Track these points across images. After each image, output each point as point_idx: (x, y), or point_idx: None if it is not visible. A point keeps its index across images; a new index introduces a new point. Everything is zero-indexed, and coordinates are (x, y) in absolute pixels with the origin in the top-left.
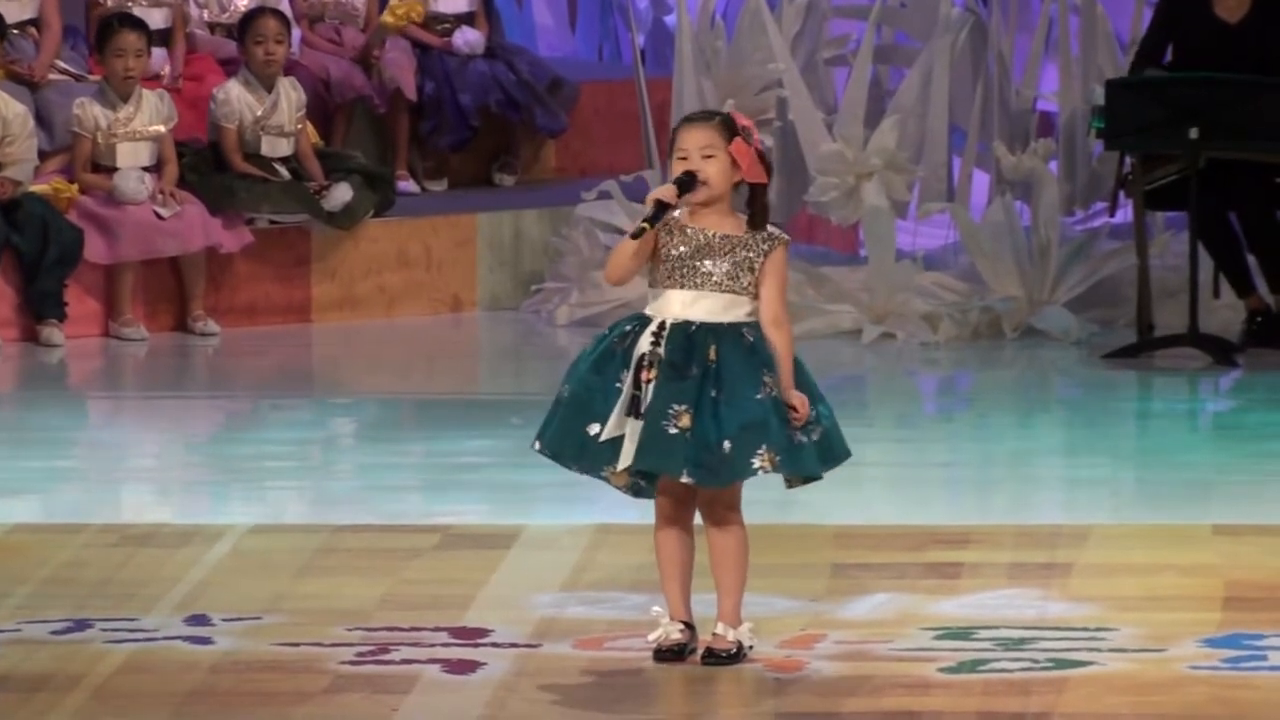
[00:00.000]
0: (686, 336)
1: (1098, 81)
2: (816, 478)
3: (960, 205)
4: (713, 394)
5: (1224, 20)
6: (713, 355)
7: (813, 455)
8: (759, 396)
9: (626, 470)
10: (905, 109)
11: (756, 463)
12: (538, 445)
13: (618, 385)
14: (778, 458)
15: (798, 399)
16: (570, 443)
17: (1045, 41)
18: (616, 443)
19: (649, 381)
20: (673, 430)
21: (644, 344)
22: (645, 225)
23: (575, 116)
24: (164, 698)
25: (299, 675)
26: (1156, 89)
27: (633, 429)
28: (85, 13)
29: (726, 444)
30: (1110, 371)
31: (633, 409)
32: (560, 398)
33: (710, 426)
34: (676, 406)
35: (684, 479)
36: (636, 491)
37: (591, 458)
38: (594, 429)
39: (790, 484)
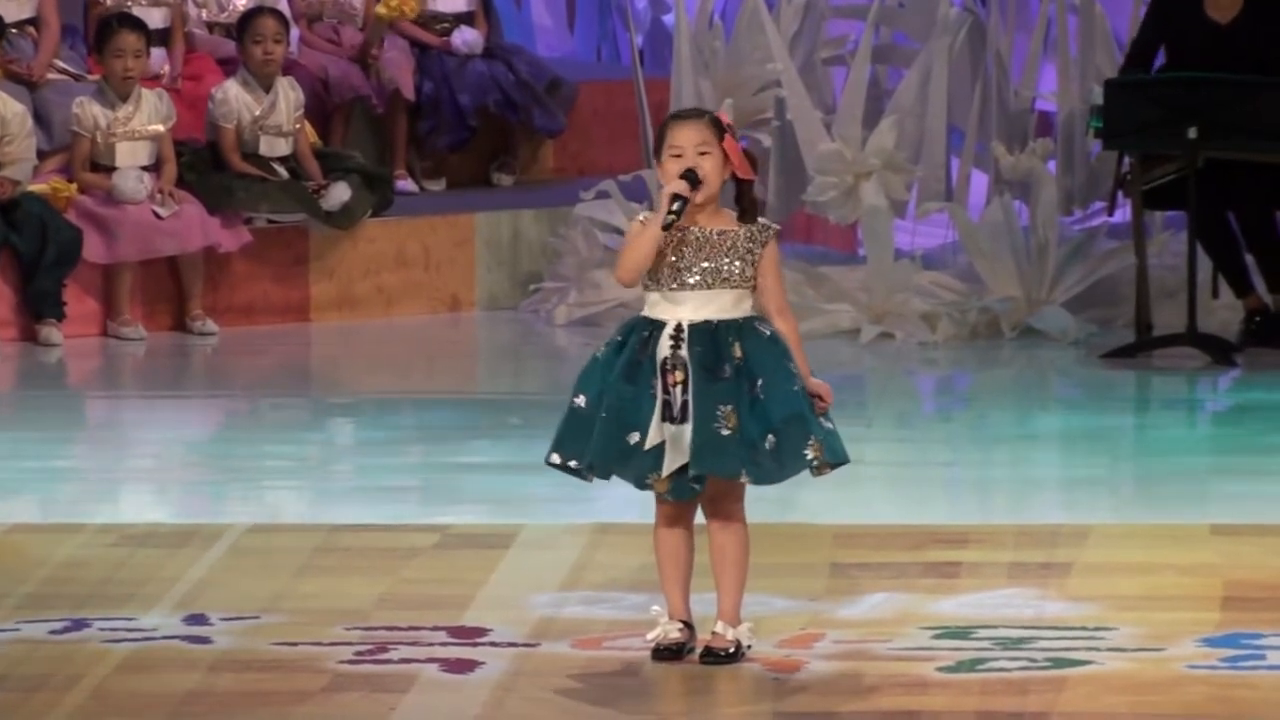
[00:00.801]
0: (709, 337)
1: (1096, 81)
2: (846, 461)
3: (959, 205)
4: (749, 390)
5: (1215, 20)
6: (739, 352)
7: (839, 440)
8: (795, 388)
9: (670, 476)
10: (904, 109)
11: (810, 454)
12: (558, 459)
13: (651, 393)
14: (823, 446)
15: (822, 387)
16: (613, 455)
17: (1044, 41)
18: (657, 450)
19: (676, 385)
20: (725, 432)
21: (664, 348)
22: (673, 216)
23: (573, 116)
24: (163, 697)
25: (297, 674)
26: (1155, 89)
27: (671, 434)
28: (84, 12)
29: (770, 438)
30: (1109, 371)
31: (665, 414)
32: (577, 408)
33: (751, 424)
34: (723, 407)
35: (742, 479)
36: (681, 494)
37: (636, 467)
38: (634, 438)
39: (819, 471)
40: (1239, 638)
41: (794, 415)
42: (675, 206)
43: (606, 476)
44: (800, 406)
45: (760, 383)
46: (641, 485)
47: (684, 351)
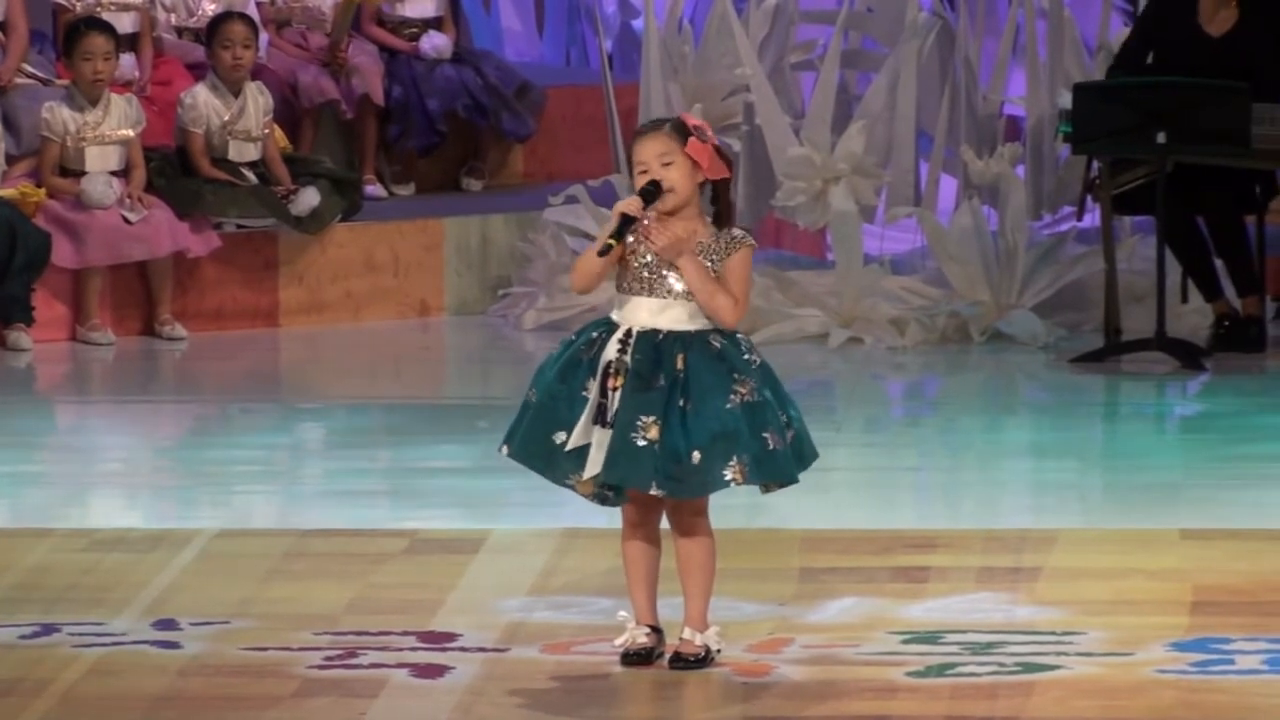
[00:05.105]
0: (654, 346)
1: (1065, 86)
2: (793, 482)
3: (927, 210)
4: (681, 404)
5: (1208, 33)
6: (680, 364)
7: (788, 459)
8: (729, 406)
9: (593, 479)
10: (872, 114)
11: (729, 474)
12: (505, 450)
13: (584, 394)
14: (747, 469)
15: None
16: (537, 450)
17: (1012, 46)
18: (583, 451)
19: (615, 389)
20: (641, 442)
21: (610, 351)
22: (612, 242)
23: (543, 121)
24: (132, 702)
25: (267, 679)
26: (1124, 93)
27: (599, 438)
28: (53, 18)
29: (696, 454)
30: (1077, 376)
31: (599, 417)
32: (528, 402)
33: (679, 437)
34: (645, 418)
35: (653, 491)
36: (603, 500)
37: (558, 466)
38: (560, 437)
39: (766, 489)
40: (1208, 642)
41: (722, 433)
42: (615, 227)
43: (533, 469)
44: (730, 425)
45: (694, 398)
46: (562, 484)
47: (628, 357)
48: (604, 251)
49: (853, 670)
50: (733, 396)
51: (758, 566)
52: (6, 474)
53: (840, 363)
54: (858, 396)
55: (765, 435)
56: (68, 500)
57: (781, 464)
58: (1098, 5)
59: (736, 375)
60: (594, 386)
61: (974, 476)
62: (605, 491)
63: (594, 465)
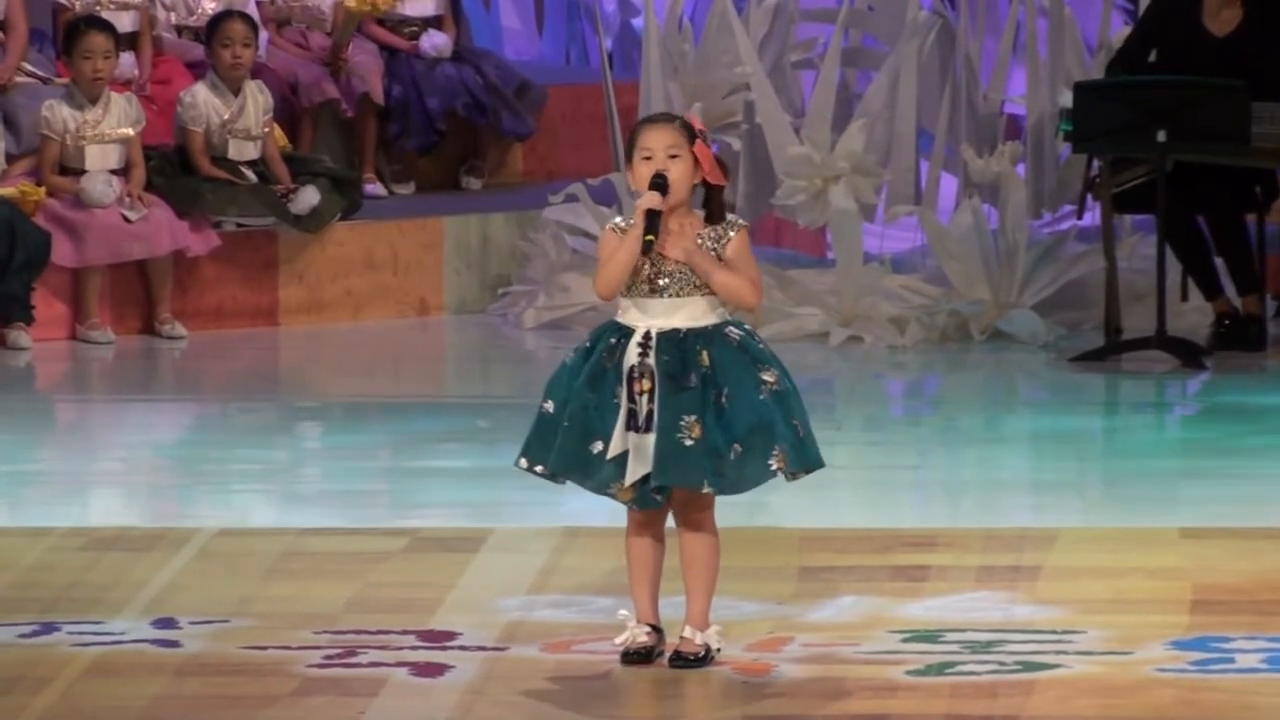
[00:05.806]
0: (676, 345)
1: (1065, 84)
2: (820, 466)
3: (928, 208)
4: (714, 399)
5: (1212, 33)
6: (706, 360)
7: (815, 444)
8: (761, 397)
9: (634, 485)
10: (873, 112)
11: (774, 464)
12: (525, 463)
13: (615, 401)
14: (788, 456)
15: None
16: (576, 463)
17: (1013, 44)
18: (621, 459)
19: (642, 393)
20: (689, 443)
21: (632, 355)
22: (651, 238)
23: (542, 120)
24: (131, 701)
25: (266, 678)
26: (1124, 92)
27: (636, 443)
28: (53, 17)
29: (737, 447)
30: (1077, 374)
31: (630, 422)
32: (545, 414)
33: (717, 433)
34: (687, 418)
35: (705, 489)
36: (647, 504)
37: (598, 475)
38: (598, 447)
39: (792, 477)
40: (1207, 641)
41: (759, 425)
42: (645, 225)
43: (562, 481)
44: (766, 416)
45: (726, 391)
46: (603, 493)
47: (651, 359)
48: (647, 249)
49: (852, 669)
50: (762, 387)
51: (757, 565)
52: (5, 473)
53: (840, 361)
54: (858, 395)
55: (795, 423)
56: (67, 499)
57: (812, 450)
58: (1098, 4)
59: (760, 365)
60: (622, 393)
61: (973, 475)
62: (654, 495)
63: (634, 471)
